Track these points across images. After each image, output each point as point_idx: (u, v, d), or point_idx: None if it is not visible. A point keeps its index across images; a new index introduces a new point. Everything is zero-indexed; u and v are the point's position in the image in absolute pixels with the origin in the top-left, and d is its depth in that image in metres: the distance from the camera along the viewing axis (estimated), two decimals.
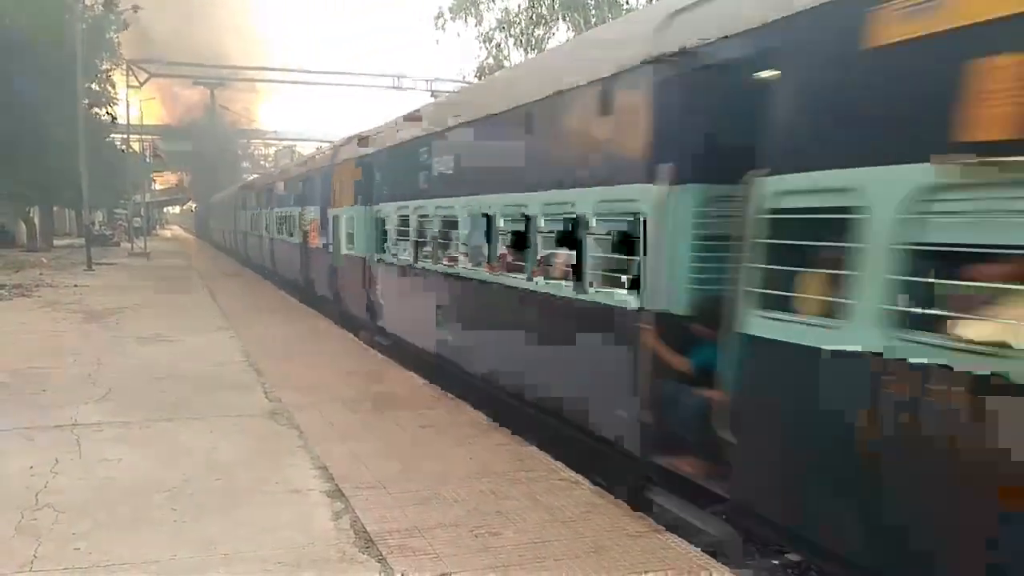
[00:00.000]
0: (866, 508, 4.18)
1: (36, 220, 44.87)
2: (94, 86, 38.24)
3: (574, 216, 7.05)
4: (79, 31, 28.60)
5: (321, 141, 49.79)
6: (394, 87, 46.81)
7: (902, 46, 3.98)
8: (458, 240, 9.92)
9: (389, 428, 8.26)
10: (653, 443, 6.09)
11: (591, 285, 6.87)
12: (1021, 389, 3.35)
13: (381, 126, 14.54)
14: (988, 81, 3.55)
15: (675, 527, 5.76)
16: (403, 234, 12.29)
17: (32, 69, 28.56)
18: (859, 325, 4.13)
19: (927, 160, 3.75)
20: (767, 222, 4.81)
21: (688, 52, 5.59)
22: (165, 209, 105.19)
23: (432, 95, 41.26)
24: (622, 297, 6.39)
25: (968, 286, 3.64)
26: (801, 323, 4.54)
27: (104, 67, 41.94)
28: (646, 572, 4.96)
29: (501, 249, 8.77)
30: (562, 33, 41.58)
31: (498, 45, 44.06)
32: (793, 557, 5.65)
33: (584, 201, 6.93)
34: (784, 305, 4.68)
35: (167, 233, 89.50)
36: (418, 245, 11.50)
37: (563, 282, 7.33)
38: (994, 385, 3.45)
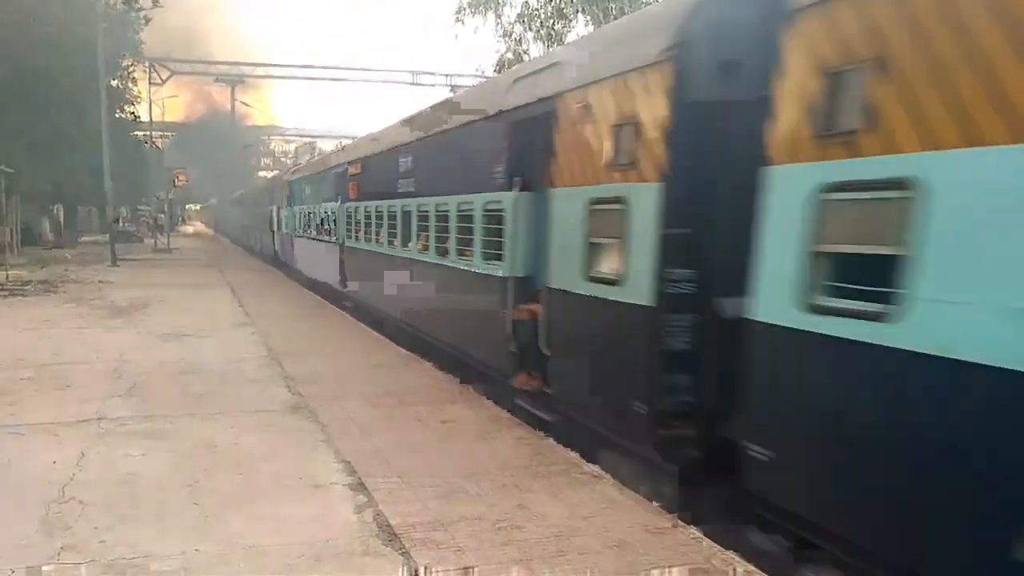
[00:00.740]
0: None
1: (60, 217, 45.39)
2: (116, 83, 38.55)
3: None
4: (101, 29, 28.82)
5: (340, 137, 50.01)
6: (413, 83, 46.88)
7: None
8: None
9: (410, 423, 8.27)
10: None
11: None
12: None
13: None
14: None
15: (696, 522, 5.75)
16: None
17: (57, 67, 28.82)
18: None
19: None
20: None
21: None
22: (187, 206, 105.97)
23: (451, 90, 41.23)
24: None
25: None
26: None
27: (126, 64, 42.32)
28: (669, 567, 4.93)
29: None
30: (581, 27, 41.50)
31: (518, 39, 44.05)
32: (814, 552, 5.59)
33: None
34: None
35: (189, 229, 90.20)
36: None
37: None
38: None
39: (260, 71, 50.12)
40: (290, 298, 21.03)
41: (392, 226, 13.60)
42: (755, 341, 5.17)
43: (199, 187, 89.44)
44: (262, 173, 68.39)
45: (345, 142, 26.65)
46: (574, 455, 7.24)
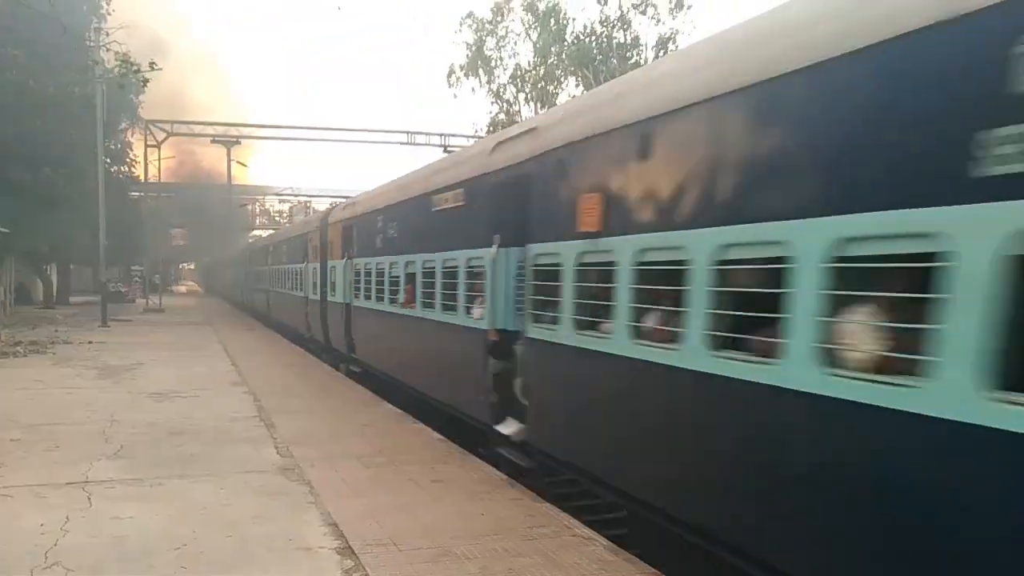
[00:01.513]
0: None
1: (53, 277, 45.39)
2: (112, 144, 38.96)
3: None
4: (100, 91, 29.25)
5: (335, 197, 50.43)
6: (408, 143, 47.44)
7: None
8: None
9: (401, 483, 8.20)
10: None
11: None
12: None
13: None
14: None
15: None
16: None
17: (55, 128, 29.18)
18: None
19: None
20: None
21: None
22: (181, 265, 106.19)
23: (445, 150, 41.78)
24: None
25: None
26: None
27: (123, 126, 42.87)
28: None
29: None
30: (572, 87, 42.28)
31: (509, 101, 44.82)
32: None
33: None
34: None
35: (182, 288, 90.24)
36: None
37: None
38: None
39: (257, 132, 50.72)
40: (281, 355, 20.96)
41: None
42: None
43: (193, 247, 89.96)
44: (257, 232, 68.68)
45: (339, 202, 26.86)
46: (566, 517, 7.18)
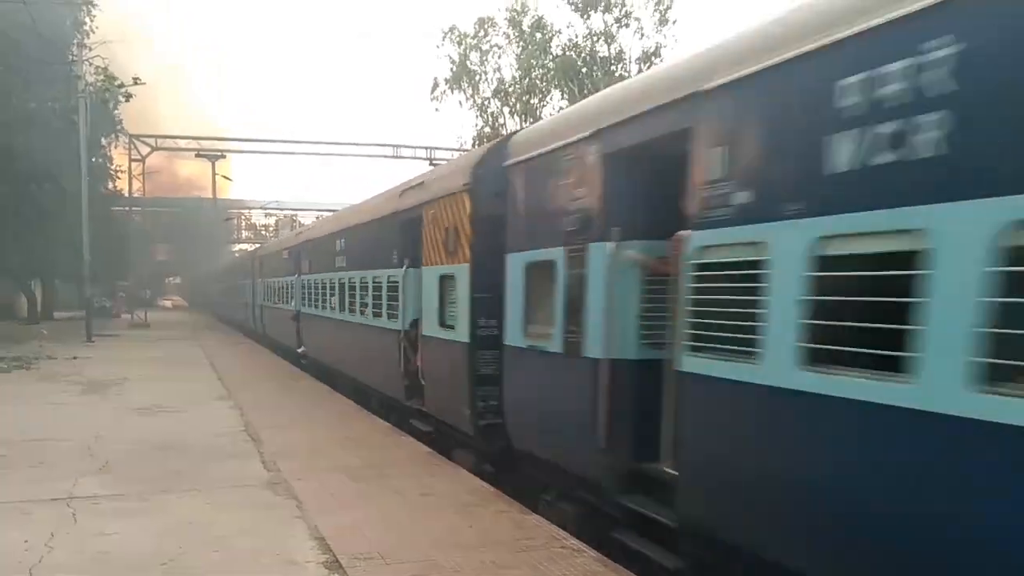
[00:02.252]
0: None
1: (38, 293, 45.07)
2: (95, 159, 38.81)
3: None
4: (84, 105, 29.17)
5: (321, 210, 50.36)
6: (394, 156, 47.47)
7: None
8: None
9: (388, 496, 8.18)
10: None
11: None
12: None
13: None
14: None
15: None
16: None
17: (38, 145, 29.06)
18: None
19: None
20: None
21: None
22: (167, 279, 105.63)
23: (430, 163, 41.82)
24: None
25: None
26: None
27: (106, 141, 42.70)
28: None
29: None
30: (556, 100, 42.44)
31: (493, 114, 44.92)
32: None
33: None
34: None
35: (167, 303, 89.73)
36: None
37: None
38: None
39: (242, 146, 50.65)
40: (266, 368, 20.88)
41: None
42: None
43: (178, 261, 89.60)
44: (243, 246, 68.42)
45: (326, 215, 26.99)
46: (555, 528, 7.19)
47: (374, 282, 13.59)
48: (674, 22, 41.47)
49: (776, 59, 4.73)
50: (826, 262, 4.31)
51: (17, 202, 28.84)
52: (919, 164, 3.80)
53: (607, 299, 6.45)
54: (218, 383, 17.62)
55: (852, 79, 4.16)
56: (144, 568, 6.06)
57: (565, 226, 7.14)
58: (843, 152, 4.19)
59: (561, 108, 39.29)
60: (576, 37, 41.65)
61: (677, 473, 5.77)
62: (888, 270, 3.97)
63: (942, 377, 3.65)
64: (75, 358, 23.39)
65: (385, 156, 47.68)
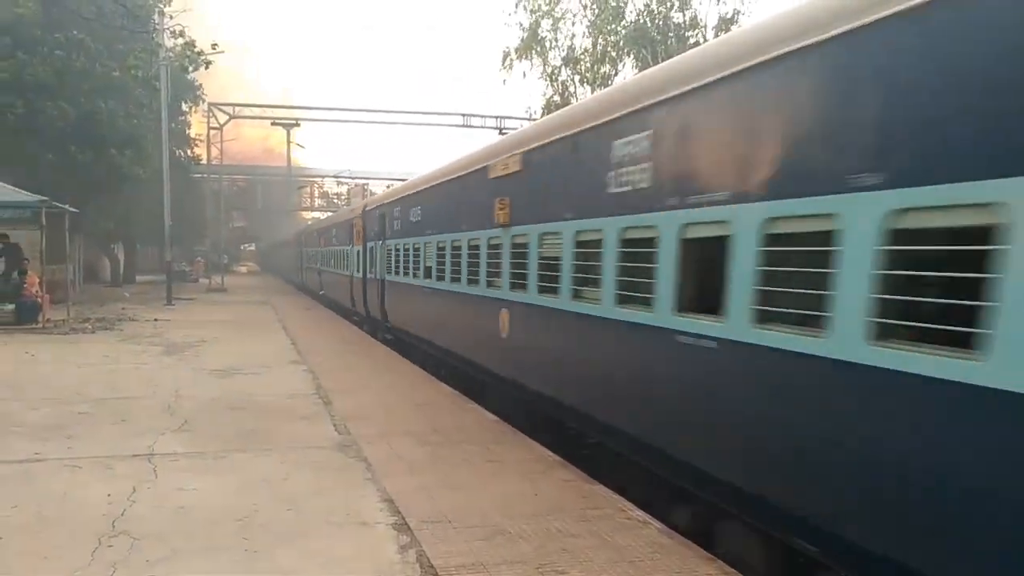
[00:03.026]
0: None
1: (120, 256, 46.70)
2: (174, 125, 39.82)
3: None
4: (165, 73, 29.88)
5: (392, 179, 50.77)
6: (463, 125, 47.43)
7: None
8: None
9: (455, 462, 8.27)
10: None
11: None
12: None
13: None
14: None
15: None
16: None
17: (120, 109, 29.92)
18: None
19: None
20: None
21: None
22: (242, 246, 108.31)
23: (500, 132, 41.65)
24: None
25: None
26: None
27: (187, 107, 43.75)
28: None
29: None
30: (628, 69, 41.70)
31: (564, 82, 44.40)
32: None
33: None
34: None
35: (243, 269, 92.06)
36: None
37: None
38: None
39: (316, 114, 51.24)
40: (337, 333, 21.29)
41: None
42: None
43: (252, 228, 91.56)
44: (315, 214, 69.57)
45: (396, 184, 27.21)
46: (620, 499, 7.16)
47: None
48: None
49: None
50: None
51: (101, 168, 29.76)
52: None
53: None
54: (291, 347, 18.02)
55: None
56: (221, 523, 6.26)
57: None
58: None
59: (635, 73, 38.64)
60: (651, 2, 40.74)
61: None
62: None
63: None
64: (156, 320, 24.20)
65: (455, 125, 47.68)
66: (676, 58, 7.46)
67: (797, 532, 5.10)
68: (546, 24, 43.63)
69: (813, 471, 4.89)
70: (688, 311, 6.19)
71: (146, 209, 38.51)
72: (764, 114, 5.45)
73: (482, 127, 46.84)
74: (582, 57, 43.35)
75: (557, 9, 43.50)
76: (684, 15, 40.83)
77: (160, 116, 31.27)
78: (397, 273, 17.98)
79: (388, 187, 33.44)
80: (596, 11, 42.04)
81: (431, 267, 14.69)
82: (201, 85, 43.17)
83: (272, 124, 51.84)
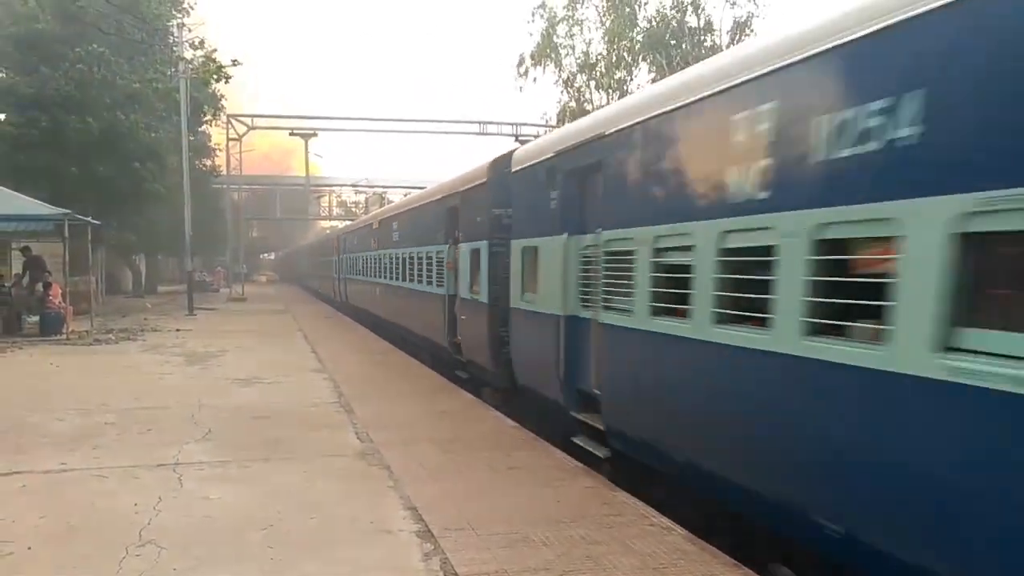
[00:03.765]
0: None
1: (142, 267, 47.19)
2: (194, 137, 40.24)
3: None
4: (185, 85, 30.21)
5: (409, 187, 50.98)
6: (480, 132, 47.59)
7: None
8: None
9: (477, 469, 8.29)
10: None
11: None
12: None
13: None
14: None
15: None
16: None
17: (141, 121, 30.29)
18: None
19: None
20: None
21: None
22: (261, 255, 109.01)
23: (516, 139, 41.73)
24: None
25: None
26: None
27: (207, 118, 44.24)
28: None
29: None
30: (644, 75, 41.66)
31: (579, 88, 44.41)
32: None
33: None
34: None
35: (263, 278, 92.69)
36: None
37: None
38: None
39: (334, 124, 51.56)
40: (357, 342, 21.38)
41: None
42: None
43: (271, 237, 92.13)
44: (334, 223, 70.03)
45: (414, 192, 27.34)
46: (643, 505, 7.15)
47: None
48: None
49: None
50: None
51: (124, 181, 30.12)
52: None
53: None
54: (312, 355, 18.13)
55: None
56: (246, 532, 6.30)
57: None
58: None
59: (652, 81, 38.58)
60: (664, 7, 40.73)
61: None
62: None
63: None
64: (177, 330, 24.42)
65: (471, 133, 47.85)
66: None
67: None
68: (562, 29, 43.65)
69: None
70: None
71: (167, 220, 38.92)
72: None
73: (498, 134, 46.96)
74: (598, 61, 43.36)
75: (574, 15, 43.46)
76: (699, 19, 40.80)
77: (180, 128, 31.63)
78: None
79: (405, 195, 33.48)
80: (612, 16, 42.02)
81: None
82: (223, 96, 43.71)
83: (291, 135, 52.24)
